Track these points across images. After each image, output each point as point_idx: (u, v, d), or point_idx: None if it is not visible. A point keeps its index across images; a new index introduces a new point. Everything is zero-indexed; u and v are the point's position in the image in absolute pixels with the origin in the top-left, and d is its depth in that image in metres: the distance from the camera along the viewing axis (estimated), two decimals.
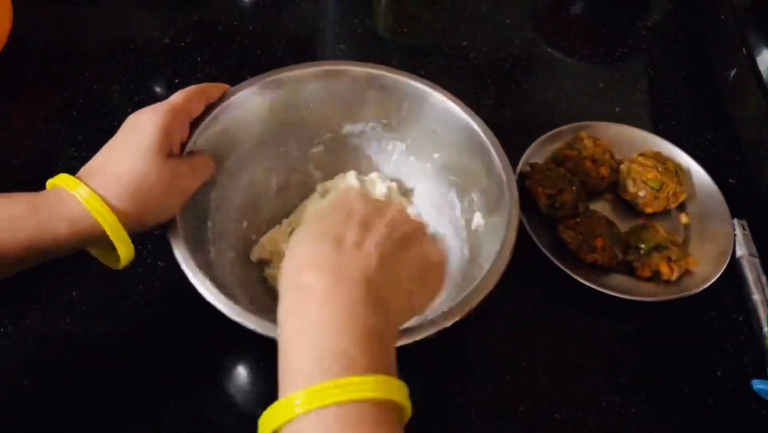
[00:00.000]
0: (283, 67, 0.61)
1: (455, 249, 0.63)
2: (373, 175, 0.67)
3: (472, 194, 0.63)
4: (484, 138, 0.59)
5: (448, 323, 0.49)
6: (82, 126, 0.74)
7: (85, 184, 0.48)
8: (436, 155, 0.65)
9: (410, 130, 0.65)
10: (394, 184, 0.67)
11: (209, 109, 0.57)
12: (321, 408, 0.35)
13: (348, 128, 0.66)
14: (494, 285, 0.51)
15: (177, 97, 0.54)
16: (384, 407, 0.37)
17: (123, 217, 0.48)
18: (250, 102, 0.60)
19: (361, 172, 0.68)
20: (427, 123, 0.64)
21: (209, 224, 0.59)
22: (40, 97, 0.77)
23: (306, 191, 0.68)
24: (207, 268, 0.53)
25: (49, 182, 0.50)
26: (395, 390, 0.37)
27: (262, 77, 0.61)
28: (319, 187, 0.68)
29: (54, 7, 0.84)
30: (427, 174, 0.66)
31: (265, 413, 0.37)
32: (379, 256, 0.41)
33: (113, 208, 0.48)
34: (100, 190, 0.48)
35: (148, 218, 0.50)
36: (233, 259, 0.61)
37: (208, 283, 0.50)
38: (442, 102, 0.62)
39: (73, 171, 0.69)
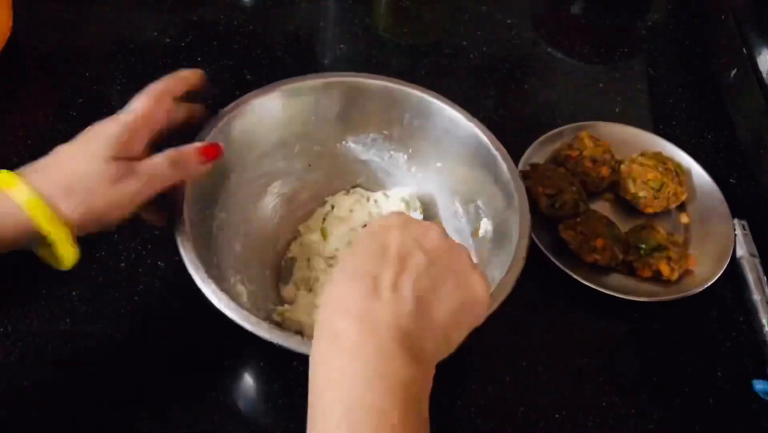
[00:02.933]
0: (280, 81, 0.61)
1: None
2: (379, 194, 0.67)
3: (478, 201, 0.62)
4: (490, 145, 0.59)
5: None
6: (82, 126, 0.73)
7: (25, 181, 0.46)
8: (438, 164, 0.65)
9: (412, 140, 0.65)
10: (406, 204, 0.66)
11: (215, 121, 0.57)
12: None
13: (350, 140, 0.66)
14: (510, 291, 0.52)
15: (141, 104, 0.51)
16: None
17: (63, 217, 0.46)
18: (249, 116, 0.59)
19: (367, 184, 0.68)
20: (429, 132, 0.63)
21: (216, 232, 0.58)
22: (40, 97, 0.77)
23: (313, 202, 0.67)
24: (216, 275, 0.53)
25: None
26: None
27: (263, 90, 0.60)
28: (330, 199, 0.67)
29: (54, 7, 0.84)
30: (429, 183, 0.66)
31: None
32: (416, 299, 0.39)
33: (53, 207, 0.46)
34: (42, 189, 0.46)
35: (88, 221, 0.48)
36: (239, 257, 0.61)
37: (224, 297, 0.49)
38: (445, 111, 0.61)
39: None
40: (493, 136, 0.60)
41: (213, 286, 0.49)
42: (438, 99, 0.62)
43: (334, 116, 0.64)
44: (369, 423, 0.35)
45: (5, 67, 0.76)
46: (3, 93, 0.76)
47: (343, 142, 0.66)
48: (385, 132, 0.65)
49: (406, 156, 0.66)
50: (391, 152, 0.66)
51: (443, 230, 0.44)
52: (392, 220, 0.44)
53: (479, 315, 0.44)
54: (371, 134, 0.65)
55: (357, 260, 0.42)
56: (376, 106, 0.63)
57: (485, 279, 0.43)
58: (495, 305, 0.50)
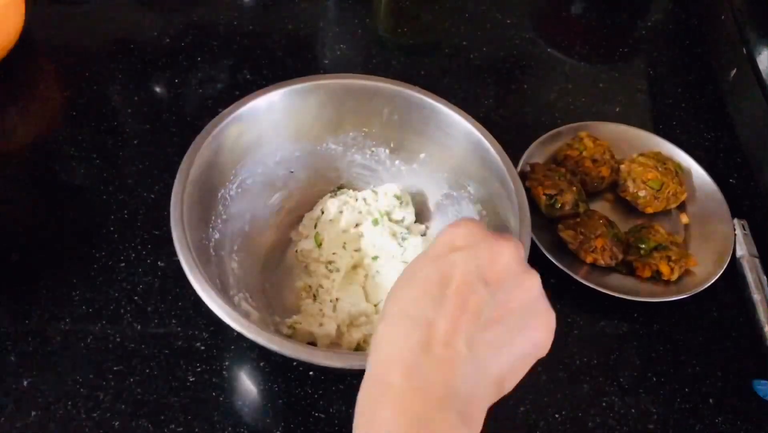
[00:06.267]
0: (251, 94, 0.61)
1: None
2: (367, 192, 0.67)
3: (468, 187, 0.63)
4: (473, 129, 0.60)
5: None
6: (82, 126, 0.74)
7: None
8: (422, 155, 0.65)
9: (393, 134, 0.65)
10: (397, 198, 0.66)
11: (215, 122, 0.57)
12: None
13: (330, 141, 0.66)
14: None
15: None
16: None
17: None
18: (228, 131, 0.59)
19: (351, 183, 0.68)
20: (410, 124, 0.64)
21: (216, 235, 0.59)
22: (39, 97, 0.77)
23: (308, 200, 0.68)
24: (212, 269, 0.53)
25: None
26: None
27: (238, 104, 0.60)
28: (318, 204, 0.67)
29: (54, 7, 0.84)
30: (415, 175, 0.67)
31: None
32: (471, 356, 0.36)
33: None
34: None
35: None
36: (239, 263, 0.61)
37: (224, 305, 0.49)
38: (424, 101, 0.62)
39: (72, 172, 0.70)
40: (474, 121, 0.61)
41: (241, 319, 0.49)
42: (415, 91, 0.62)
43: (312, 120, 0.64)
44: None
45: (8, 68, 0.76)
46: (6, 92, 0.76)
47: (324, 144, 0.66)
48: (364, 129, 0.65)
49: (387, 150, 0.66)
50: (372, 148, 0.66)
51: (518, 251, 0.39)
52: (461, 236, 0.39)
53: (538, 357, 0.39)
54: (351, 133, 0.65)
55: (415, 292, 0.38)
56: (352, 105, 0.63)
57: (553, 315, 0.40)
58: None
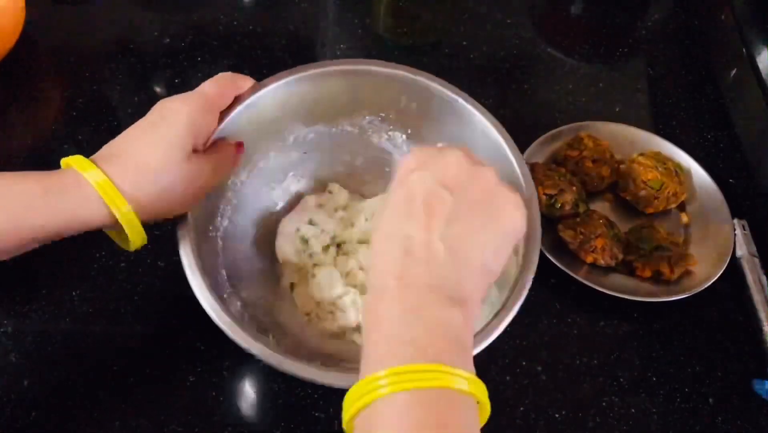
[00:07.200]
0: (271, 77, 0.60)
1: None
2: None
3: None
4: (493, 130, 0.59)
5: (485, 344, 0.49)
6: (82, 126, 0.74)
7: (99, 168, 0.47)
8: (439, 144, 0.64)
9: (410, 121, 0.65)
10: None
11: (235, 102, 0.56)
12: (405, 391, 0.36)
13: (346, 124, 0.65)
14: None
15: (209, 87, 0.53)
16: (464, 399, 0.38)
17: (135, 205, 0.48)
18: (265, 101, 0.59)
19: (365, 165, 0.67)
20: (428, 114, 0.63)
21: (219, 217, 0.59)
22: (39, 97, 0.77)
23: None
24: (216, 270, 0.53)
25: (63, 161, 0.49)
26: (477, 386, 0.39)
27: (280, 75, 0.60)
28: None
29: (53, 7, 0.84)
30: None
31: (349, 391, 0.38)
32: (449, 249, 0.41)
33: (126, 195, 0.47)
34: (115, 176, 0.47)
35: (160, 211, 0.50)
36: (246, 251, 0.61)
37: (209, 294, 0.50)
38: (443, 93, 0.61)
39: None
40: (494, 119, 0.60)
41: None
42: (435, 81, 0.61)
43: (327, 104, 0.63)
44: (410, 355, 0.37)
45: (9, 67, 0.76)
46: (6, 92, 0.76)
47: (339, 127, 0.65)
48: (381, 114, 0.65)
49: (404, 136, 0.66)
50: (389, 132, 0.66)
51: (463, 152, 0.44)
52: (412, 160, 0.44)
53: (518, 232, 0.44)
54: (367, 117, 0.65)
55: (388, 217, 0.43)
56: (369, 90, 0.63)
57: (517, 196, 0.44)
58: (508, 319, 0.50)
